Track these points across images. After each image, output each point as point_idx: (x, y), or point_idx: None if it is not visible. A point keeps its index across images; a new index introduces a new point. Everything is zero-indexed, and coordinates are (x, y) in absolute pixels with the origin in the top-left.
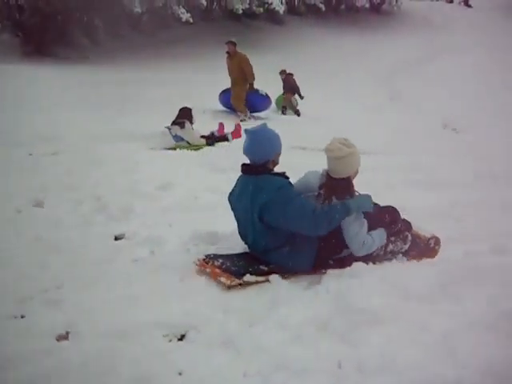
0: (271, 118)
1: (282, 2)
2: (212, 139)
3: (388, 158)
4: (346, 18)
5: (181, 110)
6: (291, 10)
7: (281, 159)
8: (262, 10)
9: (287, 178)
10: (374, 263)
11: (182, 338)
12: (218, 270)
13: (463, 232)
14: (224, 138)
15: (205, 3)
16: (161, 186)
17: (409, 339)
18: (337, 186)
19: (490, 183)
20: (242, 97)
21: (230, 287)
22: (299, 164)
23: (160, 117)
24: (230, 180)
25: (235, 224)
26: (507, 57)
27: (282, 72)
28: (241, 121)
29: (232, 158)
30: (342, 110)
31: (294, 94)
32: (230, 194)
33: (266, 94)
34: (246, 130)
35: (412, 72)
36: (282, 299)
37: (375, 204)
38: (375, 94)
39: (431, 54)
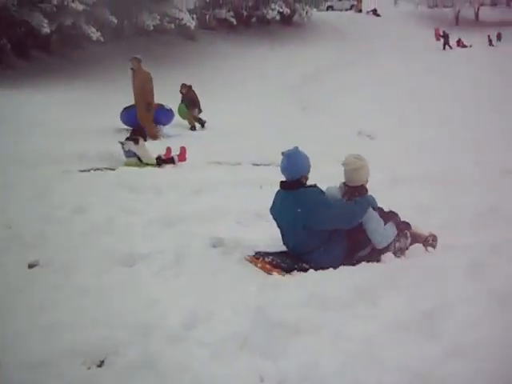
0: (183, 135)
1: (192, 18)
2: (160, 160)
3: None
4: (258, 30)
5: (134, 128)
6: (202, 24)
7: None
8: (173, 26)
9: (318, 188)
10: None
11: (101, 364)
12: (268, 266)
13: None
14: (170, 161)
15: (115, 21)
16: (75, 209)
17: (330, 347)
18: (355, 192)
19: (405, 189)
20: (150, 116)
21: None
22: (217, 178)
23: (72, 139)
24: (147, 201)
25: (152, 244)
26: (414, 63)
27: (183, 86)
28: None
29: (151, 178)
30: (254, 122)
31: (196, 108)
32: (271, 207)
33: (171, 109)
34: (283, 153)
35: (324, 81)
36: (201, 317)
37: (379, 208)
38: (288, 104)
39: (343, 63)
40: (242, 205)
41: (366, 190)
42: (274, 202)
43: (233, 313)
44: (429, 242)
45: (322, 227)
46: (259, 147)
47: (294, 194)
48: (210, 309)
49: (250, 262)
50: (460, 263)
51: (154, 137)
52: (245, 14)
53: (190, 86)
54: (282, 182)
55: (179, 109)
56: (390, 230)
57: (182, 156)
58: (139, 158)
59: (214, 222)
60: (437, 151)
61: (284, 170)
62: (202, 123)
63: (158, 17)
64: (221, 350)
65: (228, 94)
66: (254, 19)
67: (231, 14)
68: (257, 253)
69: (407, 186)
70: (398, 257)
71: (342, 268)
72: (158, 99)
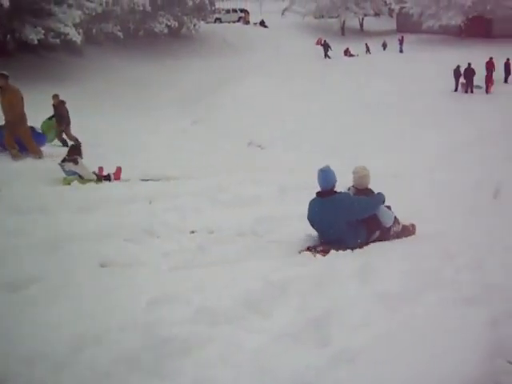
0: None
1: (78, 33)
2: (99, 177)
3: (194, 182)
4: (146, 44)
5: (71, 147)
6: (89, 39)
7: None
8: (58, 41)
9: (346, 192)
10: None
11: None
12: (322, 253)
13: (266, 249)
14: (106, 178)
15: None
16: None
17: (221, 362)
18: (363, 192)
19: (293, 196)
20: (28, 135)
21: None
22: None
23: None
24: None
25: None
26: (299, 71)
27: (54, 97)
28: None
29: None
30: (145, 137)
31: (64, 124)
32: (309, 214)
33: (42, 132)
34: (319, 169)
35: (216, 93)
36: (89, 340)
37: None
38: (179, 118)
39: (233, 75)
40: (132, 221)
41: (372, 191)
42: (310, 209)
43: (121, 331)
44: (411, 229)
45: (360, 216)
46: (148, 162)
47: (332, 199)
48: (97, 332)
49: (307, 252)
50: (349, 268)
51: (36, 153)
52: (132, 27)
53: (62, 101)
54: (318, 192)
55: (42, 124)
56: (392, 216)
57: (118, 174)
58: (80, 176)
59: (103, 241)
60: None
61: (321, 183)
62: (69, 143)
63: (43, 31)
64: (111, 371)
65: (117, 108)
66: (141, 33)
67: (118, 28)
68: (308, 247)
69: (294, 194)
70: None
71: (229, 279)
72: (42, 118)
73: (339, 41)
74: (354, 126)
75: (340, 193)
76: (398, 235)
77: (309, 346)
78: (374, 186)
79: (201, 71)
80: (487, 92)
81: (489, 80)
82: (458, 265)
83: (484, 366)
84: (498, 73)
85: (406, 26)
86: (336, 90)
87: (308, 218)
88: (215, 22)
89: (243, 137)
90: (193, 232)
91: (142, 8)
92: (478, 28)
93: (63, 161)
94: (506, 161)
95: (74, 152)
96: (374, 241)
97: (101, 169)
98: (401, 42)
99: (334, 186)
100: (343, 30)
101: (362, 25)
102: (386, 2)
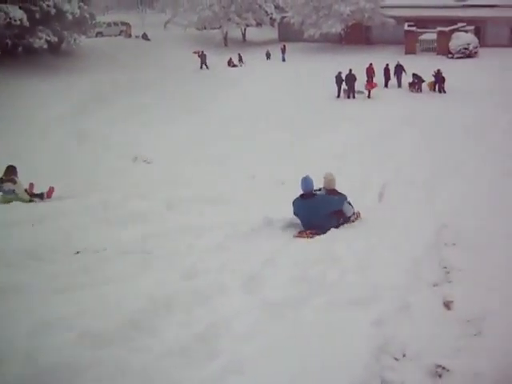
0: None
1: None
2: (32, 196)
3: (78, 201)
4: (25, 60)
5: (7, 167)
6: None
7: None
8: None
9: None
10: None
11: None
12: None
13: (151, 264)
14: (39, 196)
15: None
16: None
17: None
18: (332, 192)
19: (182, 209)
20: None
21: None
22: None
23: None
24: None
25: None
26: (184, 83)
27: None
28: None
29: None
30: (27, 154)
31: None
32: (295, 211)
33: None
34: (302, 178)
35: (99, 109)
36: None
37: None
38: (62, 136)
39: (117, 89)
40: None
41: (337, 191)
42: (295, 206)
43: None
44: (357, 215)
45: (332, 210)
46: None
47: (312, 200)
48: None
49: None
50: (235, 279)
51: None
52: (9, 43)
53: None
54: (302, 195)
55: None
56: (351, 209)
57: (50, 193)
58: (17, 195)
59: None
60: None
61: (304, 187)
62: None
63: None
64: None
65: None
66: (20, 48)
67: None
68: (299, 232)
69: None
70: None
71: (113, 299)
72: None
73: (222, 52)
74: (243, 135)
75: (317, 195)
76: (353, 220)
77: (196, 360)
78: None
79: (82, 87)
80: (368, 97)
81: (369, 85)
82: (345, 267)
83: (370, 364)
84: (379, 78)
85: (288, 35)
86: (221, 101)
87: (294, 212)
88: (97, 36)
89: (127, 153)
90: (78, 252)
91: (19, 23)
92: (357, 35)
93: (1, 181)
94: (387, 162)
95: (11, 173)
96: (339, 226)
97: (31, 186)
98: (283, 50)
99: (312, 190)
100: (226, 41)
101: (244, 35)
102: (267, 13)
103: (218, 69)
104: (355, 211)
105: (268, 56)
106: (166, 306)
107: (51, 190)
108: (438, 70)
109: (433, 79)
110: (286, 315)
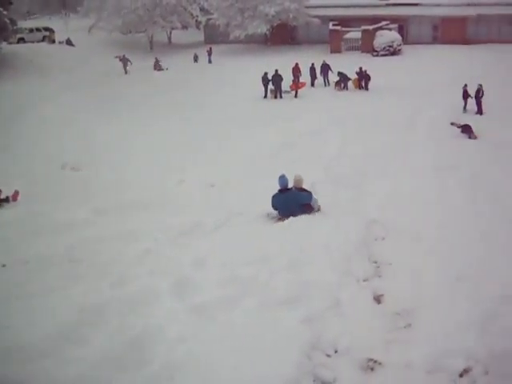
0: None
1: None
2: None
3: None
4: None
5: None
6: None
7: None
8: None
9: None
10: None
11: None
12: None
13: (81, 274)
14: (5, 200)
15: None
16: None
17: None
18: (301, 189)
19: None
20: None
21: None
22: None
23: None
24: None
25: None
26: (104, 88)
27: None
28: None
29: None
30: None
31: None
32: (274, 203)
33: None
34: (279, 176)
35: (23, 117)
36: None
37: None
38: None
39: (42, 96)
40: None
41: (305, 189)
42: (274, 199)
43: None
44: (318, 209)
45: (303, 202)
46: None
47: (289, 193)
48: None
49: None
50: (166, 282)
51: None
52: None
53: None
54: (280, 190)
55: None
56: (317, 202)
57: (15, 197)
58: None
59: None
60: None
61: (281, 183)
62: None
63: None
64: None
65: None
66: None
67: None
68: (278, 218)
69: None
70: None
71: (42, 311)
72: None
73: (148, 55)
74: (171, 138)
75: (291, 190)
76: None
77: (129, 368)
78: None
79: (5, 95)
80: (295, 96)
81: (294, 85)
82: (275, 266)
83: (303, 361)
84: (305, 77)
85: (214, 37)
86: (149, 106)
87: (272, 204)
88: (18, 42)
89: (55, 160)
90: (4, 265)
91: None
92: (282, 35)
93: None
94: (315, 161)
95: None
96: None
97: None
98: (209, 53)
99: (287, 185)
100: (152, 45)
101: (170, 38)
102: (192, 15)
103: (143, 73)
104: (318, 205)
105: (196, 59)
106: (97, 315)
107: (16, 193)
108: (361, 68)
109: (357, 77)
110: (218, 318)
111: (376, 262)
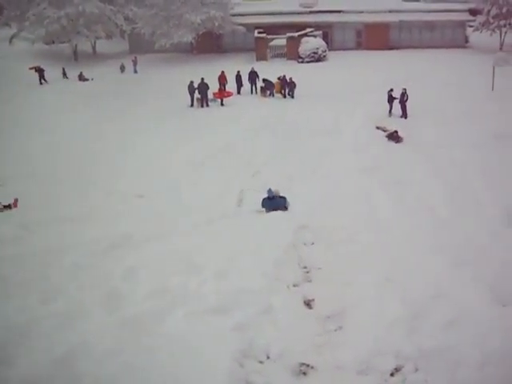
0: None
1: None
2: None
3: None
4: None
5: None
6: None
7: None
8: None
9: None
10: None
11: None
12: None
13: (7, 291)
14: (7, 207)
15: None
16: None
17: None
18: (279, 196)
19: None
20: None
21: None
22: None
23: None
24: None
25: None
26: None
27: None
28: None
29: None
30: None
31: None
32: (264, 203)
33: None
34: (267, 190)
35: None
36: None
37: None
38: None
39: None
40: None
41: (282, 196)
42: (265, 203)
43: None
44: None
45: (283, 205)
46: None
47: (274, 200)
48: None
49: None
50: (95, 296)
51: None
52: None
53: None
54: (268, 197)
55: None
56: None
57: (15, 204)
58: None
59: None
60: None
61: (269, 194)
62: None
63: None
64: None
65: None
66: None
67: None
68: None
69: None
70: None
71: None
72: None
73: (73, 66)
74: (96, 151)
75: (277, 197)
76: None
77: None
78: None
79: None
80: (222, 104)
81: (219, 94)
82: (205, 275)
83: (235, 369)
84: (231, 85)
85: (139, 46)
86: (71, 119)
87: (262, 205)
88: None
89: None
90: None
91: None
92: (208, 44)
93: None
94: (244, 168)
95: None
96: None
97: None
98: (134, 62)
99: (273, 195)
100: (76, 55)
101: (94, 48)
102: (117, 24)
103: (64, 83)
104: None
105: (122, 69)
106: (24, 333)
107: (15, 201)
108: (284, 76)
109: (278, 81)
110: (147, 329)
111: (306, 267)
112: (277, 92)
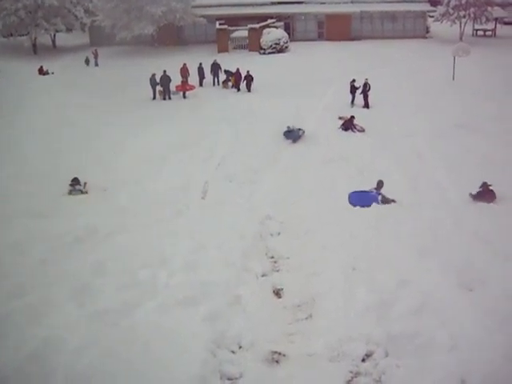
0: None
1: None
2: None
3: None
4: None
5: (74, 178)
6: None
7: None
8: None
9: None
10: None
11: None
12: None
13: None
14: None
15: None
16: None
17: None
18: (297, 129)
19: None
20: None
21: None
22: None
23: None
24: None
25: None
26: None
27: None
28: None
29: None
30: None
31: None
32: (285, 134)
33: None
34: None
35: None
36: None
37: None
38: None
39: None
40: None
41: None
42: (286, 135)
43: None
44: None
45: (300, 135)
46: None
47: (293, 132)
48: None
49: None
50: (65, 291)
51: None
52: None
53: None
54: (287, 130)
55: None
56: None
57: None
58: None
59: None
60: None
61: (289, 128)
62: None
63: None
64: None
65: None
66: None
67: None
68: None
69: None
70: None
71: None
72: None
73: (32, 59)
74: (54, 141)
75: (295, 129)
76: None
77: (29, 382)
78: None
79: None
80: (184, 97)
81: (181, 87)
82: (173, 267)
83: (208, 359)
84: (194, 77)
85: (100, 39)
86: (31, 114)
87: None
88: None
89: None
90: None
91: None
92: (170, 36)
93: (71, 185)
94: (207, 160)
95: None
96: None
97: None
98: (95, 55)
99: (293, 128)
100: (35, 48)
101: (54, 41)
102: (77, 17)
103: (24, 77)
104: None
105: (87, 62)
106: None
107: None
108: (238, 69)
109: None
110: (119, 323)
111: (273, 257)
112: (232, 86)
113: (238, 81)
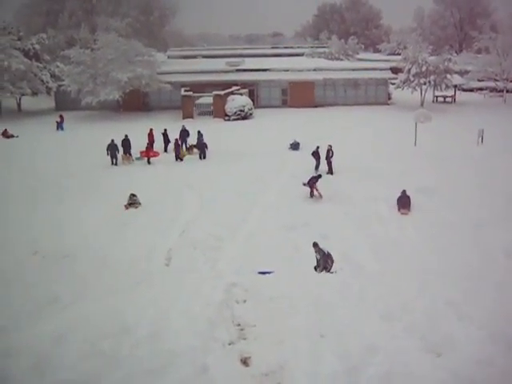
0: None
1: None
2: None
3: None
4: None
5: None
6: None
7: None
8: None
9: None
10: None
11: None
12: None
13: None
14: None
15: None
16: None
17: None
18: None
19: None
20: None
21: None
22: None
23: None
24: None
25: None
26: None
27: None
28: None
29: None
30: None
31: None
32: (291, 146)
33: None
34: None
35: None
36: None
37: None
38: None
39: None
40: None
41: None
42: (291, 147)
43: None
44: None
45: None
46: None
47: (298, 144)
48: None
49: None
50: (24, 363)
51: None
52: None
53: None
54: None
55: None
56: None
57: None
58: None
59: None
60: None
61: (294, 142)
62: None
63: None
64: None
65: None
66: None
67: None
68: None
69: None
70: None
71: None
72: None
73: None
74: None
75: (298, 143)
76: None
77: None
78: None
79: None
80: (149, 162)
81: (146, 152)
82: (136, 337)
83: None
84: (158, 143)
85: (66, 103)
86: None
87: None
88: None
89: None
90: None
91: None
92: (135, 101)
93: None
94: (173, 223)
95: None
96: None
97: None
98: (61, 120)
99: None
100: (0, 111)
101: (19, 104)
102: (43, 81)
103: None
104: None
105: (57, 126)
106: None
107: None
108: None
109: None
110: None
111: (240, 325)
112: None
113: (190, 149)
